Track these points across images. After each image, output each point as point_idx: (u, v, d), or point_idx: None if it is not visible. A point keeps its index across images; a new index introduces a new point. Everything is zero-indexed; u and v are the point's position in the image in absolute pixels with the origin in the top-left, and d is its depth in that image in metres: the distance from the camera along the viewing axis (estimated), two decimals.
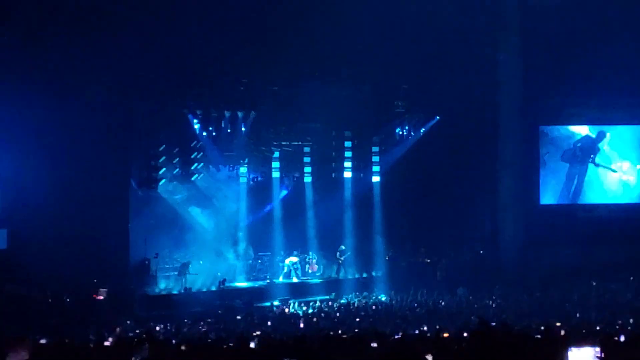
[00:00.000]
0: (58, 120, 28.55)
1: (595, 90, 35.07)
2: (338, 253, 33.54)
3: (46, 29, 27.44)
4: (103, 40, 28.58)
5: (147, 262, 29.89)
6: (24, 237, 26.67)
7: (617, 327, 19.96)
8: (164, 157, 31.06)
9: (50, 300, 27.19)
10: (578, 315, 24.14)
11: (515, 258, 34.71)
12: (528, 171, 35.73)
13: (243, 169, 33.47)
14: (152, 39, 29.41)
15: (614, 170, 36.33)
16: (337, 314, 26.60)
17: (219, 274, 31.15)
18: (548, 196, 36.40)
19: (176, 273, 30.47)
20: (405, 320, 24.28)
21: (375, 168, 35.73)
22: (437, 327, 20.08)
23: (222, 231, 32.44)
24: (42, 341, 16.78)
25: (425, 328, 21.32)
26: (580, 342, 13.12)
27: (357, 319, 24.72)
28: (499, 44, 34.90)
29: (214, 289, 30.54)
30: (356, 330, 21.08)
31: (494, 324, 22.53)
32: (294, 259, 32.98)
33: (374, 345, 14.32)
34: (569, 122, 36.18)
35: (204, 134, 32.36)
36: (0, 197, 26.53)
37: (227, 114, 32.51)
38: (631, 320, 21.61)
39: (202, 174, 32.18)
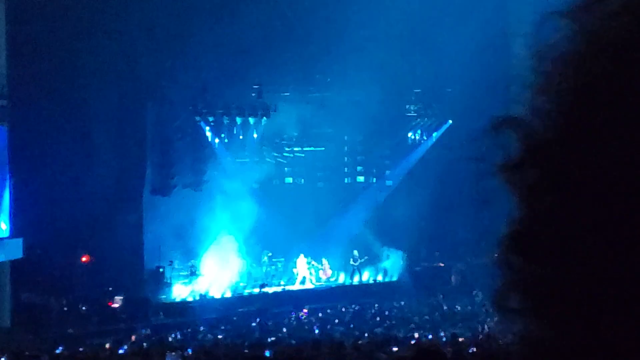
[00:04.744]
0: (72, 129, 28.68)
1: None
2: (351, 259, 33.48)
3: (61, 36, 27.56)
4: (116, 47, 28.72)
5: (161, 270, 29.94)
6: (39, 246, 26.76)
7: None
8: (177, 165, 31.14)
9: (66, 308, 27.28)
10: None
11: None
12: None
13: None
14: (165, 46, 29.54)
15: None
16: (352, 320, 26.59)
17: (233, 280, 31.17)
18: None
19: (188, 279, 30.51)
20: (421, 325, 24.26)
21: (388, 172, 35.73)
22: (453, 331, 20.03)
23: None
24: (59, 350, 16.85)
25: (441, 333, 21.30)
26: None
27: (372, 325, 24.71)
28: (512, 46, 34.82)
29: (228, 295, 30.56)
30: (371, 335, 21.05)
31: None
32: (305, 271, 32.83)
33: (395, 349, 14.30)
34: None
35: (216, 140, 32.44)
36: (15, 206, 26.63)
37: (238, 120, 32.59)
38: None
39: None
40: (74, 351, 17.68)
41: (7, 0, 26.31)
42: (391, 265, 33.74)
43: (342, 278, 33.62)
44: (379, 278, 33.72)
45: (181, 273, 30.68)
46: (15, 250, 26.10)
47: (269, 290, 31.36)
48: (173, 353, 12.29)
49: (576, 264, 0.84)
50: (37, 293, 27.35)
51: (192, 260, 31.03)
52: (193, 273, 30.62)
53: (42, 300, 27.11)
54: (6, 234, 25.79)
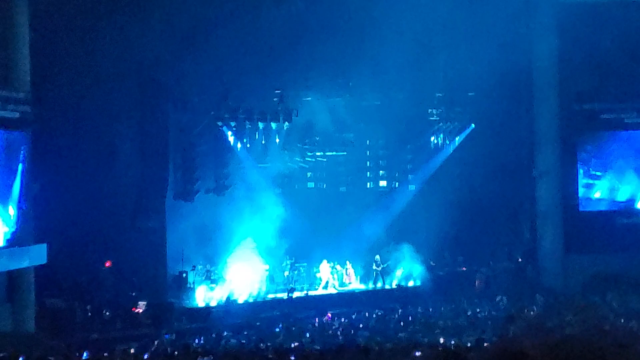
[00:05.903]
0: (95, 135, 28.81)
1: (634, 94, 34.68)
2: (374, 263, 33.42)
3: (83, 42, 27.71)
4: (138, 53, 28.84)
5: (184, 275, 29.97)
6: (63, 252, 26.86)
7: None
8: (199, 170, 31.18)
9: (90, 314, 27.36)
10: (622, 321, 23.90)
11: (554, 266, 34.36)
12: (566, 178, 35.34)
13: None
14: (186, 51, 29.62)
15: None
16: (375, 325, 26.50)
17: (256, 285, 31.21)
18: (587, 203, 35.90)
19: (211, 284, 30.51)
20: (445, 330, 24.14)
21: (411, 177, 35.64)
22: (477, 337, 19.90)
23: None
24: (85, 356, 16.88)
25: (466, 338, 21.17)
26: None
27: (396, 330, 24.61)
28: (535, 50, 34.66)
29: (251, 300, 30.59)
30: (395, 341, 20.96)
31: None
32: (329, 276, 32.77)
33: (418, 354, 14.20)
34: (607, 128, 35.72)
35: (238, 145, 32.46)
36: (39, 212, 26.75)
37: (260, 125, 32.60)
38: None
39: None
40: (99, 356, 17.70)
41: (31, 7, 26.48)
42: (411, 267, 33.56)
43: (365, 283, 33.56)
44: (403, 283, 33.60)
45: (204, 278, 30.71)
46: (39, 256, 26.22)
47: (293, 295, 31.37)
48: (205, 358, 12.24)
49: None
50: (61, 298, 27.47)
51: (209, 266, 31.03)
52: (208, 277, 30.65)
53: (66, 305, 27.21)
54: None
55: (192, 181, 31.04)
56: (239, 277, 31.46)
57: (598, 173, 35.51)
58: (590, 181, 35.57)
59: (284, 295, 31.42)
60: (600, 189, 35.50)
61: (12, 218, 25.69)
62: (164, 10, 28.81)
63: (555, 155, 34.96)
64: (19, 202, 25.90)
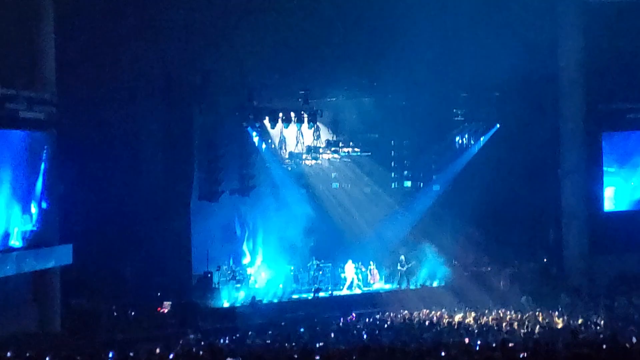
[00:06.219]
0: (120, 136, 28.96)
1: None
2: (399, 263, 33.38)
3: (109, 43, 27.86)
4: (163, 54, 28.97)
5: (209, 275, 30.07)
6: (88, 252, 27.04)
7: None
8: (224, 170, 31.27)
9: (115, 314, 27.50)
10: None
11: (580, 266, 34.16)
12: (591, 178, 35.12)
13: None
14: (211, 52, 29.72)
15: None
16: (400, 325, 26.46)
17: (280, 285, 31.28)
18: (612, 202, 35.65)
19: (236, 284, 30.60)
20: (470, 330, 24.07)
21: (435, 177, 35.57)
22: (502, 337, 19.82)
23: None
24: (110, 355, 16.97)
25: (491, 338, 21.11)
26: None
27: (421, 330, 24.57)
28: (560, 50, 34.47)
29: (276, 300, 30.66)
30: (420, 341, 20.92)
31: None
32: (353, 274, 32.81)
33: (443, 354, 14.16)
34: (633, 128, 35.47)
35: (263, 146, 32.53)
36: (64, 212, 26.93)
37: (285, 126, 32.66)
38: None
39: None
40: (124, 356, 17.76)
41: (56, 9, 26.65)
42: (435, 267, 33.49)
43: (389, 283, 33.53)
44: (427, 283, 33.53)
45: (229, 278, 30.81)
46: (65, 256, 26.40)
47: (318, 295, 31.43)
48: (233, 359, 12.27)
49: None
50: (87, 298, 27.62)
51: (234, 266, 31.17)
52: (233, 278, 30.75)
53: (92, 305, 27.37)
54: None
55: (217, 182, 31.11)
56: (264, 277, 31.55)
57: (620, 171, 35.28)
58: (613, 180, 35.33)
59: (309, 295, 31.47)
60: (623, 188, 35.27)
61: (32, 217, 25.87)
62: (189, 10, 28.91)
63: (580, 155, 34.73)
64: (40, 201, 26.09)
